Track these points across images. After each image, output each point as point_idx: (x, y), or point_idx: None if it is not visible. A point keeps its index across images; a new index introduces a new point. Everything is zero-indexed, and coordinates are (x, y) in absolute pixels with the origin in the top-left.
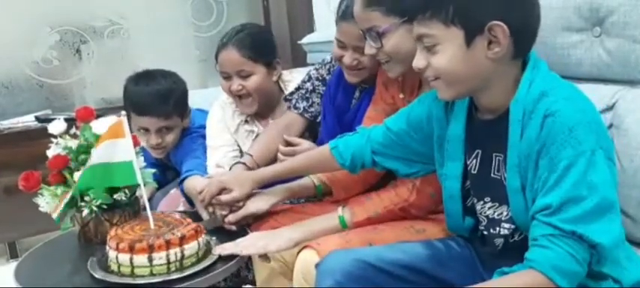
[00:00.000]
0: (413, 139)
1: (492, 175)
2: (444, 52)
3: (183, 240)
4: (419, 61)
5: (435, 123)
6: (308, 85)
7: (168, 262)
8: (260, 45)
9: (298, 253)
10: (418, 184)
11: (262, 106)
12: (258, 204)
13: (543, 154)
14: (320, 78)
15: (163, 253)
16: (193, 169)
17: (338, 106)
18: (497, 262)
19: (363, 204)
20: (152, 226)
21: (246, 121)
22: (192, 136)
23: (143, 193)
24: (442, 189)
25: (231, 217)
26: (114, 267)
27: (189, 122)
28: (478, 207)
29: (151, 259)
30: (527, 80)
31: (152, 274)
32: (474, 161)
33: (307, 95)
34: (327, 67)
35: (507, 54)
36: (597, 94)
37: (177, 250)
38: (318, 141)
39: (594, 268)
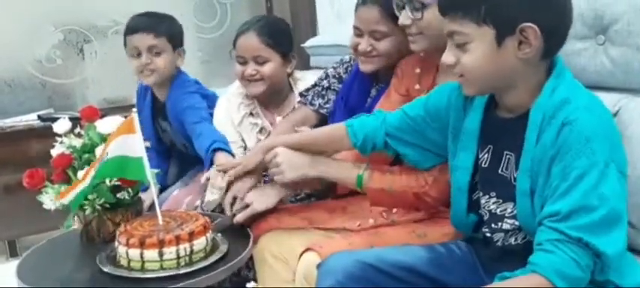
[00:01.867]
0: (429, 126)
1: (500, 171)
2: (475, 51)
3: (192, 235)
4: (448, 58)
5: (452, 113)
6: (325, 82)
7: (178, 257)
8: (279, 34)
9: (301, 255)
10: (437, 174)
11: (269, 96)
12: (264, 203)
13: (557, 162)
14: (336, 76)
15: (173, 248)
16: (218, 140)
17: (352, 104)
18: (498, 266)
19: (383, 173)
20: (161, 221)
21: (251, 114)
22: (189, 90)
23: (153, 189)
24: (451, 180)
25: (239, 218)
26: (123, 262)
27: (183, 62)
28: (483, 201)
29: (161, 254)
30: (550, 86)
31: (162, 269)
32: (486, 155)
33: (323, 92)
34: (345, 66)
35: (536, 55)
36: None
37: (187, 245)
38: None
39: (597, 277)
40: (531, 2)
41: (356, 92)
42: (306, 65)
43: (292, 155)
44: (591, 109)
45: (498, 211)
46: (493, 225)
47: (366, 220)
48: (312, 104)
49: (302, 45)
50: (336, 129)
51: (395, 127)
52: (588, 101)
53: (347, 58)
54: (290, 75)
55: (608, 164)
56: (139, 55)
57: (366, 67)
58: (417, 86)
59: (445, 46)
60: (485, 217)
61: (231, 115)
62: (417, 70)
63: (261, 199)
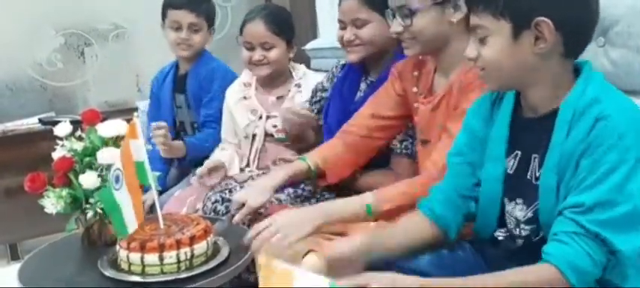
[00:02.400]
0: (472, 150)
1: (528, 176)
2: (493, 45)
3: (193, 240)
4: (471, 52)
5: (479, 123)
6: (312, 99)
7: (179, 261)
8: (283, 22)
9: (303, 257)
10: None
11: (271, 79)
12: (258, 198)
13: (587, 155)
14: (320, 88)
15: (174, 253)
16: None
17: (344, 99)
18: (506, 264)
19: (385, 191)
20: (162, 225)
21: (244, 98)
22: (219, 65)
23: (154, 193)
24: (480, 192)
25: (237, 218)
26: (124, 266)
27: (211, 41)
28: (509, 208)
29: (161, 258)
30: (581, 84)
31: (162, 273)
32: (512, 161)
33: (312, 107)
34: (328, 75)
35: (555, 51)
36: None
37: (188, 249)
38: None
39: (606, 275)
40: None
41: (347, 88)
42: (307, 67)
43: (290, 215)
44: (625, 107)
45: (523, 217)
46: (515, 231)
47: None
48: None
49: (303, 48)
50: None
51: (463, 182)
52: (622, 100)
53: (332, 65)
54: (291, 60)
55: (638, 161)
56: (177, 28)
57: (352, 56)
58: (415, 89)
59: (439, 49)
60: (510, 225)
61: (229, 99)
62: (415, 73)
63: (255, 195)
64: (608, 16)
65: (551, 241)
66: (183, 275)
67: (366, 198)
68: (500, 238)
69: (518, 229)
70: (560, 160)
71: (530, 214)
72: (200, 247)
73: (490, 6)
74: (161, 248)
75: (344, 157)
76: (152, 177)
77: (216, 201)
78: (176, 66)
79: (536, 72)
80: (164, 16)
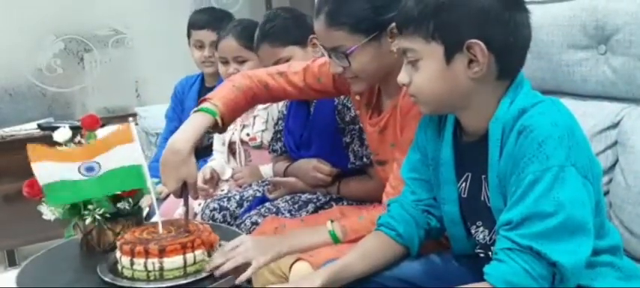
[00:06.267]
0: (426, 166)
1: (482, 198)
2: (425, 69)
3: (194, 245)
4: (403, 77)
5: (429, 144)
6: (277, 127)
7: (182, 267)
8: (254, 36)
9: (292, 265)
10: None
11: None
12: (265, 257)
13: (513, 170)
14: (281, 116)
15: (177, 257)
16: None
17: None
18: None
19: (348, 216)
20: (161, 230)
21: None
22: None
23: (152, 197)
24: (443, 213)
25: (243, 277)
26: (127, 272)
27: None
28: (472, 230)
29: (162, 264)
30: (508, 99)
31: (163, 279)
32: (464, 185)
33: (278, 135)
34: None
35: (490, 74)
36: (603, 112)
37: (190, 255)
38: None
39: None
40: (478, 19)
41: (295, 107)
42: None
43: (257, 240)
44: (547, 113)
45: (488, 241)
46: (489, 252)
47: None
48: (273, 150)
49: None
50: (371, 238)
51: (421, 197)
52: (545, 107)
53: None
54: None
55: (564, 168)
56: (201, 47)
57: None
58: (358, 97)
59: (384, 78)
60: (477, 248)
61: None
62: (357, 97)
63: (264, 253)
64: (609, 23)
65: (492, 261)
66: (185, 281)
67: (327, 226)
68: (481, 255)
69: (490, 252)
70: (499, 181)
71: (495, 237)
72: (201, 253)
73: (420, 28)
74: (161, 253)
75: (244, 107)
76: (151, 182)
77: (214, 209)
78: (202, 78)
79: (469, 95)
80: (189, 35)
